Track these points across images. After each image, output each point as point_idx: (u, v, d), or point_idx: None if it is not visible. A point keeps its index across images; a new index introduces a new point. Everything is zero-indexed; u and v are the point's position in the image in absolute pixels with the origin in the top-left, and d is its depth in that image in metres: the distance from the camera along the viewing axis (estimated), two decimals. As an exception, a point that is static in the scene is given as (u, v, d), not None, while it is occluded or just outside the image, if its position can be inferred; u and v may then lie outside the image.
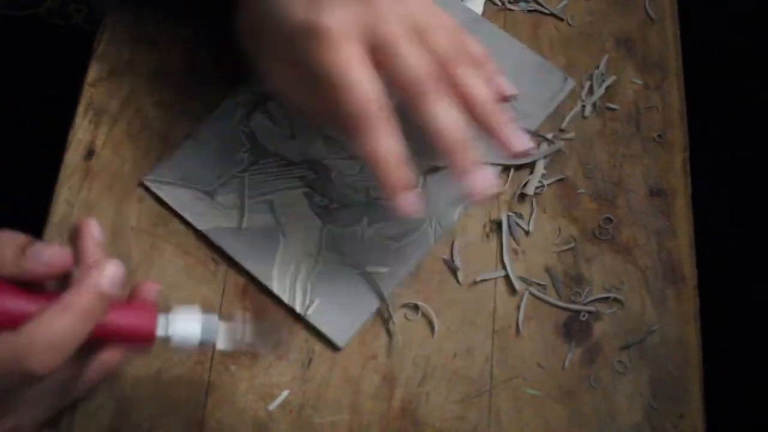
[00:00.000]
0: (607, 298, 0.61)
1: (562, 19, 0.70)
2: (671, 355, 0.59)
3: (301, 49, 0.54)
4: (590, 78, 0.67)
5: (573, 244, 0.62)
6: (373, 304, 0.60)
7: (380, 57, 0.54)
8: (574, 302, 0.60)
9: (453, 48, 0.55)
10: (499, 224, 0.63)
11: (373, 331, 0.60)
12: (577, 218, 0.63)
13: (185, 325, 0.50)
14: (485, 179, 0.55)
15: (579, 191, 0.64)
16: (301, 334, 0.59)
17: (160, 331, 0.50)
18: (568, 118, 0.66)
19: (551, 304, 0.60)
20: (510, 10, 0.70)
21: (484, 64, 0.58)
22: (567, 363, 0.59)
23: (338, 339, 0.59)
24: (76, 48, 0.73)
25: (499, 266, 0.62)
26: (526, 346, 0.59)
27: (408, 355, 0.59)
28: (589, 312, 0.60)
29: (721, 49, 0.79)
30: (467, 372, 0.59)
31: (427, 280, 0.61)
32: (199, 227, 0.61)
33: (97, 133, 0.65)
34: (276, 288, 0.60)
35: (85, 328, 0.47)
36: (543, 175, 0.64)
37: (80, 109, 0.66)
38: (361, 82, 0.53)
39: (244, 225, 0.62)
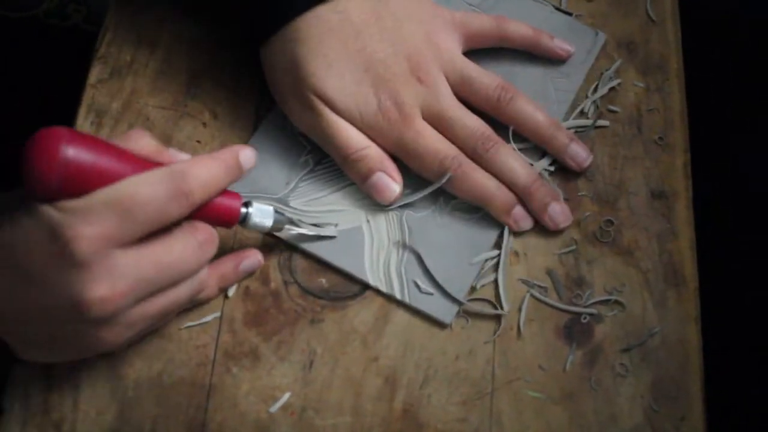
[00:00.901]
0: (608, 300, 0.61)
1: (569, 14, 0.70)
2: (672, 357, 0.59)
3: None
4: (598, 78, 0.67)
5: (574, 247, 0.62)
6: (470, 277, 0.61)
7: (438, 125, 0.62)
8: (575, 304, 0.60)
9: (499, 87, 0.63)
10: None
11: (374, 332, 0.60)
12: (578, 220, 0.63)
13: (261, 207, 0.58)
14: (562, 213, 0.62)
15: (580, 193, 0.64)
16: (303, 336, 0.60)
17: (242, 209, 0.57)
18: (569, 121, 0.66)
19: (552, 307, 0.61)
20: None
21: (540, 38, 0.66)
22: (568, 365, 0.59)
23: (444, 317, 0.60)
24: (75, 48, 0.73)
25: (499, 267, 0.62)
26: (527, 349, 0.59)
27: (410, 357, 0.59)
28: (590, 314, 0.60)
29: (722, 51, 0.79)
30: (469, 374, 0.59)
31: (428, 282, 0.61)
32: (282, 235, 0.61)
33: (98, 135, 0.65)
34: (371, 279, 0.61)
35: (224, 181, 0.54)
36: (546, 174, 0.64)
37: (81, 111, 0.66)
38: (435, 145, 0.61)
39: (325, 225, 0.62)
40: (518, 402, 0.58)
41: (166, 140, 0.65)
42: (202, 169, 0.53)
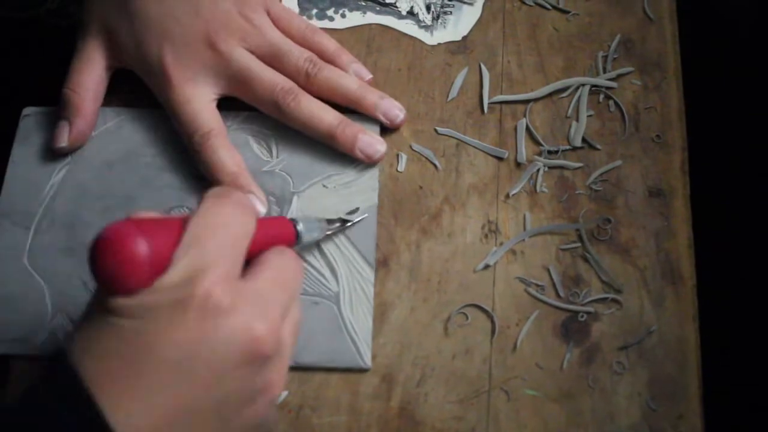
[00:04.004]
0: (606, 298, 0.61)
1: (567, 11, 0.70)
2: (670, 355, 0.59)
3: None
4: (594, 68, 0.67)
5: (572, 245, 0.62)
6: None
7: (267, 59, 0.63)
8: (572, 303, 0.60)
9: (309, 61, 0.63)
10: (497, 225, 0.63)
11: (372, 330, 0.60)
12: (575, 219, 0.63)
13: (307, 221, 0.58)
14: (372, 142, 0.63)
15: (578, 192, 0.64)
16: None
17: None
18: (573, 130, 0.66)
19: (550, 305, 0.61)
20: (508, 10, 0.70)
21: (340, 55, 0.66)
22: (565, 363, 0.59)
23: (363, 364, 0.59)
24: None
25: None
26: (524, 347, 0.59)
27: (407, 355, 0.59)
28: (588, 312, 0.60)
29: (720, 49, 0.79)
30: (466, 372, 0.59)
31: (425, 280, 0.61)
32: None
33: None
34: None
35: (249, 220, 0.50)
36: (541, 176, 0.64)
37: (80, 111, 0.66)
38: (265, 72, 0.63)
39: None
40: (515, 400, 0.58)
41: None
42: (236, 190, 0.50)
